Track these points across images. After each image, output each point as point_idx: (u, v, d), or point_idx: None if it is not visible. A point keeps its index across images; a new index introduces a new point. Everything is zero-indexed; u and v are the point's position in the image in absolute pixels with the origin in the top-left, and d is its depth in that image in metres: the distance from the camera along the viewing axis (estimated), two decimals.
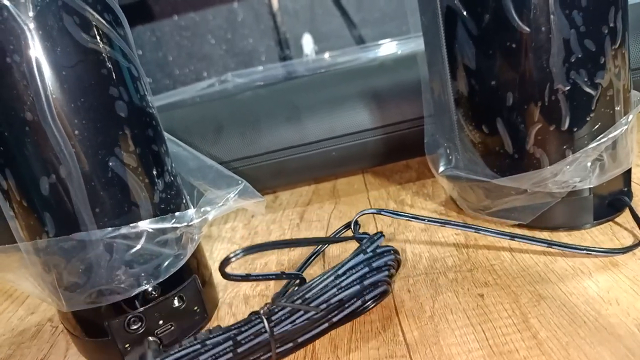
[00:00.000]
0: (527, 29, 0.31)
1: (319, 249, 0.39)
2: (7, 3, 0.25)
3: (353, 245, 0.40)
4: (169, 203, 0.32)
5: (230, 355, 0.26)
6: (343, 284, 0.29)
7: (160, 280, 0.31)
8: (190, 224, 0.30)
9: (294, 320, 0.28)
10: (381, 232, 0.33)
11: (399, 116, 0.49)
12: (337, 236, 0.38)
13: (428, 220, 0.34)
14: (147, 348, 0.29)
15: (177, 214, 0.30)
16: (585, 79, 0.32)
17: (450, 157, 0.39)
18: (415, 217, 0.35)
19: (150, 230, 0.29)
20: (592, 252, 0.33)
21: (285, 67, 0.66)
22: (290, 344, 0.29)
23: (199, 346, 0.26)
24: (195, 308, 0.33)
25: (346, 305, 0.29)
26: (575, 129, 0.33)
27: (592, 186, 0.34)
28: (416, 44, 0.68)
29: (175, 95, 0.63)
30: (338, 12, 0.90)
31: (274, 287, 0.38)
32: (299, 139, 0.50)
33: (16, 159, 0.27)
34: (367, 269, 0.30)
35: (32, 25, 0.25)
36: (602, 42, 0.32)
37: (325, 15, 0.90)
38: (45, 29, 0.26)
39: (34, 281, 0.31)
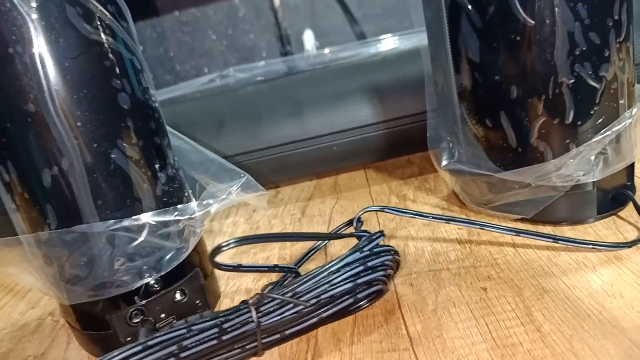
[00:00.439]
0: (532, 22, 0.31)
1: (318, 245, 0.39)
2: None
3: (354, 242, 0.40)
4: (171, 196, 0.31)
5: (215, 342, 0.26)
6: (335, 281, 0.29)
7: (163, 273, 0.31)
8: (193, 216, 0.30)
9: (283, 313, 0.28)
10: (381, 232, 0.33)
11: (401, 111, 0.49)
12: (337, 233, 0.38)
13: (432, 217, 0.34)
14: (141, 326, 0.29)
15: (179, 206, 0.30)
16: (590, 72, 0.32)
17: (453, 151, 0.39)
18: (419, 214, 0.34)
19: (153, 222, 0.29)
20: (596, 247, 0.32)
21: (287, 62, 0.66)
22: (277, 336, 0.28)
23: (184, 330, 0.26)
24: (197, 301, 0.33)
25: (337, 302, 0.29)
26: (579, 123, 0.33)
27: (595, 180, 0.34)
28: (417, 39, 0.68)
29: (177, 90, 0.63)
30: (339, 8, 0.90)
31: (275, 279, 0.37)
32: (300, 134, 0.50)
33: (18, 150, 0.27)
34: (361, 268, 0.30)
35: (34, 16, 0.25)
36: (607, 35, 0.31)
37: (326, 11, 0.90)
38: (47, 19, 0.25)
39: (35, 274, 0.30)
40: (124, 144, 0.28)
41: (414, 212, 0.35)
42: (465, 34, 0.34)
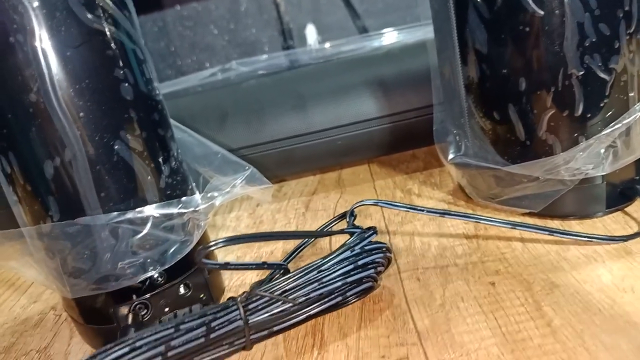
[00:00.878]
0: (541, 12, 0.31)
1: (308, 241, 0.38)
2: None
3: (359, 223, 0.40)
4: (175, 189, 0.31)
5: (203, 340, 0.26)
6: (325, 279, 0.29)
7: (167, 266, 0.30)
8: (197, 209, 0.30)
9: (271, 310, 0.27)
10: (374, 228, 0.32)
11: (406, 105, 0.49)
12: (328, 229, 0.38)
13: (427, 211, 0.34)
14: (131, 321, 0.29)
15: (183, 199, 0.30)
16: (599, 64, 0.31)
17: (460, 145, 0.38)
18: (412, 208, 0.34)
19: (157, 215, 0.28)
20: (604, 241, 0.32)
21: (290, 56, 0.66)
22: (265, 332, 0.28)
23: (172, 330, 0.25)
24: (202, 295, 0.33)
25: (326, 300, 0.29)
26: (588, 115, 0.32)
27: (604, 174, 0.33)
28: (420, 33, 0.67)
29: (180, 83, 0.62)
30: (342, 2, 0.89)
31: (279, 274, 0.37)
32: (304, 128, 0.49)
33: (20, 142, 0.27)
34: (352, 266, 0.29)
35: (35, 4, 0.25)
36: (617, 26, 0.31)
37: (328, 5, 0.89)
38: (49, 7, 0.25)
39: (37, 268, 0.30)
40: (127, 136, 0.28)
41: (408, 206, 0.34)
42: (473, 25, 0.34)
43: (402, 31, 0.75)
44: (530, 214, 0.37)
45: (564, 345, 0.25)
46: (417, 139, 0.50)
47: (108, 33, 0.27)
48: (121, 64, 0.28)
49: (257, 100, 0.50)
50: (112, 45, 0.27)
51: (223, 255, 0.42)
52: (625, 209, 0.36)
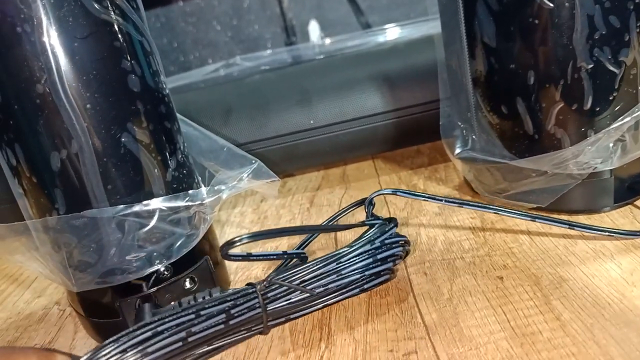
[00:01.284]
0: (551, 5, 0.30)
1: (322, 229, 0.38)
2: None
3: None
4: (181, 182, 0.31)
5: (222, 326, 0.26)
6: (344, 272, 0.29)
7: (173, 260, 0.30)
8: (204, 202, 0.30)
9: (289, 299, 0.28)
10: (394, 220, 0.32)
11: (411, 100, 0.48)
12: (344, 219, 0.38)
13: (445, 201, 0.33)
14: (144, 309, 0.29)
15: (190, 192, 0.30)
16: (609, 57, 0.31)
17: (467, 139, 0.38)
18: (432, 197, 0.34)
19: (163, 208, 0.28)
20: (614, 235, 0.32)
21: (293, 52, 0.65)
22: (283, 319, 0.29)
23: (193, 316, 0.26)
24: (207, 290, 0.33)
25: (344, 291, 0.29)
26: (597, 109, 0.32)
27: (613, 168, 0.33)
28: (422, 28, 0.67)
29: (184, 78, 0.62)
30: None
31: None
32: (309, 123, 0.49)
33: (26, 133, 0.26)
34: (371, 260, 0.30)
35: None
36: (627, 19, 0.31)
37: (332, 1, 0.89)
38: None
39: (43, 261, 0.30)
40: (134, 128, 0.28)
41: (427, 195, 0.34)
42: (481, 18, 0.33)
43: (405, 27, 0.75)
44: (537, 209, 0.36)
45: (573, 339, 0.25)
46: (422, 134, 0.50)
47: (115, 24, 0.27)
48: (128, 55, 0.27)
49: (262, 96, 0.49)
50: (120, 36, 0.27)
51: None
52: (634, 203, 0.36)
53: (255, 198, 0.51)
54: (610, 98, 0.32)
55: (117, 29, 0.27)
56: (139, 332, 0.24)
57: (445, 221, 0.38)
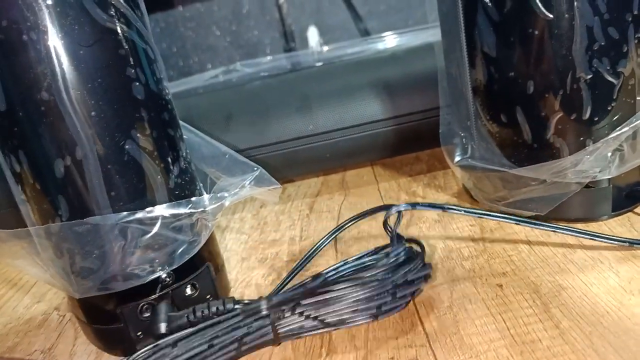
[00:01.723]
0: (550, 16, 0.31)
1: (328, 239, 0.38)
2: None
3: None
4: (183, 189, 0.31)
5: (234, 353, 0.27)
6: (361, 305, 0.27)
7: (175, 267, 0.30)
8: (206, 209, 0.30)
9: (302, 326, 0.27)
10: (421, 247, 0.30)
11: (410, 107, 0.49)
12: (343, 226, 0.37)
13: (465, 212, 0.32)
14: (161, 311, 0.29)
15: (193, 199, 0.30)
16: (608, 68, 0.31)
17: (466, 147, 0.38)
18: (451, 208, 0.32)
19: (166, 215, 0.28)
20: (613, 242, 0.32)
21: (293, 58, 0.66)
22: (294, 338, 0.28)
23: (206, 347, 0.26)
24: (208, 296, 0.33)
25: (357, 319, 0.28)
26: (596, 119, 0.33)
27: (611, 177, 0.33)
28: (423, 36, 0.67)
29: (184, 84, 0.62)
30: (344, 4, 0.89)
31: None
32: (308, 129, 0.49)
33: (30, 140, 0.27)
34: (389, 299, 0.28)
35: (49, 2, 0.25)
36: (626, 30, 0.31)
37: (331, 7, 0.89)
38: (63, 6, 0.25)
39: (44, 267, 0.30)
40: (138, 135, 0.28)
41: (447, 206, 0.32)
42: (482, 27, 0.34)
43: (403, 34, 0.76)
44: (535, 217, 0.37)
45: (572, 347, 0.25)
46: (421, 142, 0.50)
47: (120, 32, 0.27)
48: (133, 63, 0.28)
49: (262, 102, 0.50)
50: (124, 44, 0.27)
51: (227, 257, 0.42)
52: (632, 211, 0.36)
53: (255, 204, 0.51)
54: (609, 108, 0.32)
55: (122, 37, 0.27)
56: (152, 351, 0.25)
57: (445, 228, 0.38)
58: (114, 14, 0.27)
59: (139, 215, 0.28)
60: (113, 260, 0.28)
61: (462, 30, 0.35)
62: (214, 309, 0.28)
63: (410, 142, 0.50)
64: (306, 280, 0.28)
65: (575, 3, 0.30)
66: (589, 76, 0.32)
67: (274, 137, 0.49)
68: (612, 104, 0.32)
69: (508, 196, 0.36)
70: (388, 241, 0.31)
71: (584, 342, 0.25)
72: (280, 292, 0.28)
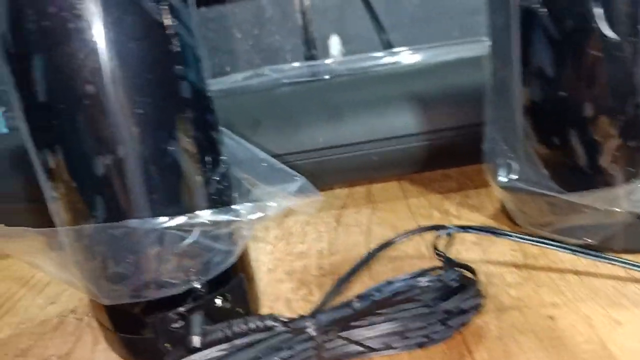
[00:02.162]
0: (617, 38, 0.29)
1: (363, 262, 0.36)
2: None
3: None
4: (222, 195, 0.29)
5: None
6: (409, 334, 0.26)
7: (210, 277, 0.28)
8: (251, 218, 0.28)
9: (346, 351, 0.26)
10: (474, 275, 0.29)
11: (444, 123, 0.48)
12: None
13: (560, 247, 0.30)
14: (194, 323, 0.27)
15: (235, 207, 0.28)
16: None
17: (512, 167, 0.37)
18: (547, 244, 0.31)
19: (208, 222, 0.27)
20: None
21: (320, 67, 0.64)
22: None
23: None
24: (239, 309, 0.31)
25: (405, 346, 0.27)
26: None
27: None
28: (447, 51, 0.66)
29: (212, 84, 0.61)
30: (367, 14, 0.88)
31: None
32: (338, 140, 0.48)
33: (69, 135, 0.25)
34: (439, 327, 0.27)
35: None
36: None
37: (354, 17, 0.88)
38: None
39: (73, 270, 0.28)
40: (182, 136, 0.26)
41: (517, 236, 0.31)
42: (538, 45, 0.32)
43: (429, 49, 0.74)
44: (583, 246, 0.35)
45: None
46: (453, 158, 0.49)
47: (172, 27, 0.25)
48: (182, 60, 0.26)
49: (291, 109, 0.48)
50: (175, 39, 0.26)
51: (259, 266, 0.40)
52: None
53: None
54: None
55: (173, 32, 0.26)
56: None
57: (484, 252, 0.37)
58: (167, 7, 0.25)
59: (180, 220, 0.26)
60: (147, 266, 0.27)
61: (516, 46, 0.34)
62: (252, 325, 0.26)
63: (442, 158, 0.49)
64: (353, 301, 0.26)
65: None
66: None
67: (302, 145, 0.48)
68: None
69: (555, 222, 0.35)
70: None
71: None
72: (324, 311, 0.26)
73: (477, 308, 0.27)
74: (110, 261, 0.26)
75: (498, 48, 0.36)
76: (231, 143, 0.34)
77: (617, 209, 0.32)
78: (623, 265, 0.31)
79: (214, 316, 0.29)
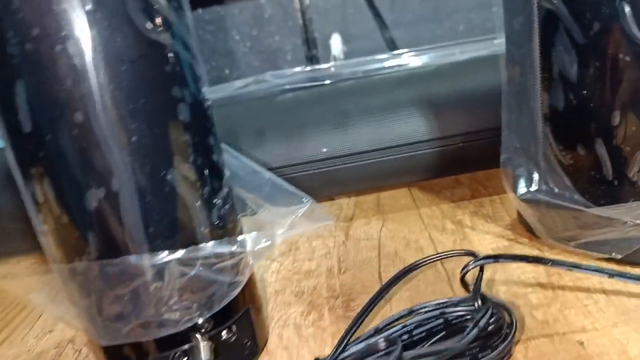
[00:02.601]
0: None
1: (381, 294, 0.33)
2: None
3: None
4: (225, 221, 0.27)
5: None
6: None
7: (214, 311, 0.26)
8: (255, 249, 0.26)
9: None
10: (511, 315, 0.27)
11: (456, 128, 0.46)
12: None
13: (592, 270, 0.28)
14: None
15: (239, 237, 0.26)
16: None
17: (532, 178, 0.35)
18: (576, 266, 0.28)
19: (211, 255, 0.25)
20: None
21: (324, 71, 0.62)
22: None
23: None
24: (246, 341, 0.29)
25: None
26: None
27: None
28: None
29: (212, 92, 0.58)
30: (370, 12, 0.86)
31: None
32: (346, 148, 0.46)
33: (58, 167, 0.23)
34: None
35: (89, 7, 0.21)
36: None
37: (356, 15, 0.86)
38: (104, 13, 0.21)
39: (66, 307, 0.26)
40: (181, 163, 0.24)
41: (568, 264, 0.28)
42: (561, 49, 0.30)
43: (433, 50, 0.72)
44: (607, 260, 0.33)
45: None
46: (465, 165, 0.47)
47: (168, 46, 0.23)
48: (179, 80, 0.24)
49: (297, 117, 0.46)
50: (171, 60, 0.24)
51: (268, 286, 0.38)
52: None
53: None
54: None
55: (169, 51, 0.24)
56: None
57: (505, 268, 0.35)
58: (162, 24, 0.23)
59: (180, 254, 0.24)
60: (147, 304, 0.25)
61: (536, 50, 0.32)
62: None
63: (454, 165, 0.47)
64: (378, 344, 0.24)
65: None
66: None
67: (308, 155, 0.46)
68: None
69: (580, 236, 0.33)
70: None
71: None
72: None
73: (510, 352, 0.25)
74: (106, 299, 0.24)
75: (515, 51, 0.34)
76: (234, 162, 0.32)
77: None
78: None
79: (219, 349, 0.28)
